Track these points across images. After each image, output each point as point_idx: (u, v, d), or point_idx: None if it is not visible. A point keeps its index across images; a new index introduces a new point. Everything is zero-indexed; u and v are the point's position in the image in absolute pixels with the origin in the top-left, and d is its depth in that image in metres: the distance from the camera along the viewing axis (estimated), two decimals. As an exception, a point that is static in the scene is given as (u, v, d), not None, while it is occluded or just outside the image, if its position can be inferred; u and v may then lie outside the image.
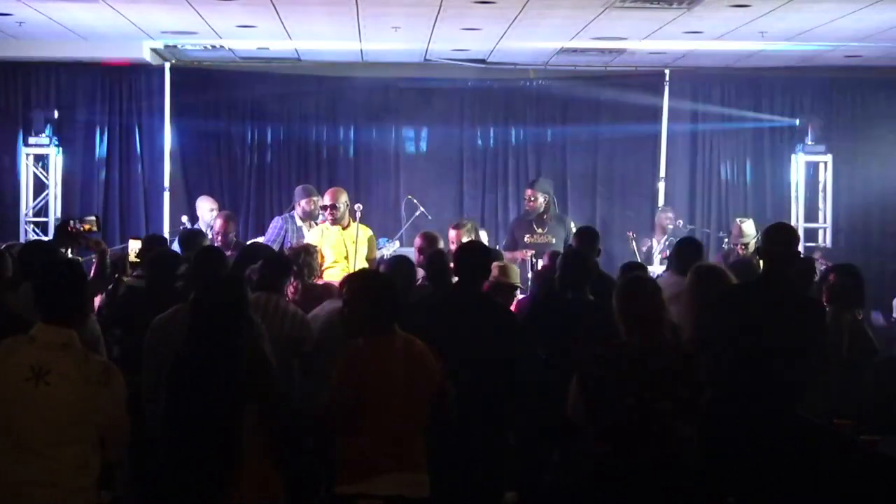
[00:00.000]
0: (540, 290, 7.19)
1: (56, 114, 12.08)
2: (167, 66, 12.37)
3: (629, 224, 12.18)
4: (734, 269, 6.74)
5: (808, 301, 5.93)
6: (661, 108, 12.83)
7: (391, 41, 11.05)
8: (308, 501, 5.65)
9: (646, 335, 4.75)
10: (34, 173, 12.10)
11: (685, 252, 7.22)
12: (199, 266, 6.02)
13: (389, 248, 10.11)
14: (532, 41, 11.02)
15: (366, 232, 9.44)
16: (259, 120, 12.69)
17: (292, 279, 6.32)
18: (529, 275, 9.06)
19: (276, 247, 9.02)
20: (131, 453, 5.45)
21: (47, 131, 11.97)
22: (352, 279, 4.85)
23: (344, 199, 9.39)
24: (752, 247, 9.94)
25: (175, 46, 11.70)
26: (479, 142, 13.00)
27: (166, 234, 11.56)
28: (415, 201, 11.17)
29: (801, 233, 10.60)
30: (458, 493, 5.26)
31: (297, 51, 11.88)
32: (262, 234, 10.52)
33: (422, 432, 4.61)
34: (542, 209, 10.32)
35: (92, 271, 6.84)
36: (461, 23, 10.00)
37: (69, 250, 7.14)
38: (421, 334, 4.76)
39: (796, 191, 12.74)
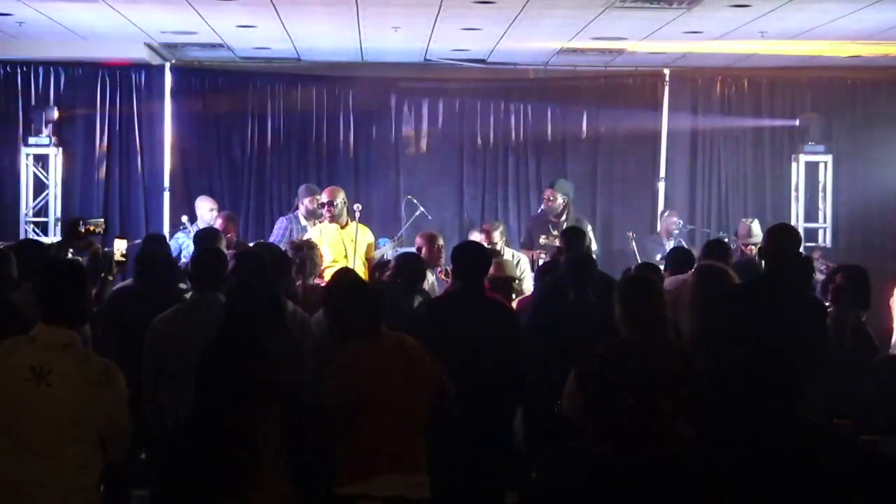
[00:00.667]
0: (542, 291, 7.20)
1: (56, 114, 12.08)
2: (167, 66, 12.36)
3: (629, 224, 12.18)
4: (736, 269, 6.75)
5: (809, 301, 5.93)
6: (661, 108, 12.84)
7: (391, 41, 11.05)
8: (308, 502, 5.64)
9: (647, 335, 4.74)
10: (34, 173, 12.10)
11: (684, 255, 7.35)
12: (198, 266, 6.01)
13: (390, 249, 10.11)
14: (532, 41, 11.02)
15: (365, 232, 9.46)
16: (259, 120, 12.69)
17: (294, 274, 6.30)
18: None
19: (282, 247, 9.05)
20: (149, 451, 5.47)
21: (47, 131, 11.97)
22: (333, 287, 4.86)
23: (341, 196, 9.47)
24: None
25: (175, 46, 11.70)
26: (479, 142, 12.99)
27: (166, 234, 11.57)
28: (415, 201, 11.18)
29: (801, 233, 10.58)
30: (459, 494, 5.25)
31: (297, 51, 11.88)
32: (262, 234, 10.53)
33: (422, 432, 4.60)
34: (559, 210, 10.34)
35: None
36: (461, 23, 10.00)
37: (69, 251, 7.14)
38: (423, 334, 4.76)
39: (796, 191, 12.75)
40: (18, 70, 12.23)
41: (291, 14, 9.69)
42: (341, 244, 9.24)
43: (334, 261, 9.05)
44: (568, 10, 9.36)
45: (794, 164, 12.76)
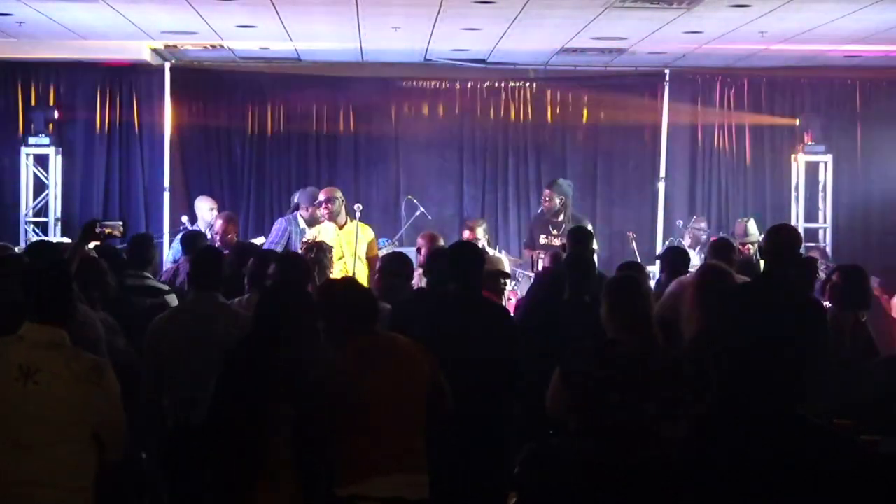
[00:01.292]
0: (538, 292, 7.19)
1: (56, 114, 12.10)
2: (167, 66, 12.37)
3: (629, 224, 12.19)
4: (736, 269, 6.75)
5: (809, 301, 5.93)
6: (661, 108, 12.84)
7: (391, 41, 11.05)
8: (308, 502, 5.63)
9: (634, 335, 4.72)
10: (34, 173, 12.11)
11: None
12: (198, 266, 6.01)
13: (389, 249, 10.11)
14: (532, 41, 11.02)
15: (365, 230, 9.48)
16: (259, 120, 12.69)
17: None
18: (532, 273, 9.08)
19: (279, 248, 9.08)
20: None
21: (47, 131, 11.97)
22: (324, 291, 4.85)
23: (339, 196, 9.52)
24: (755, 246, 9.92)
25: (175, 46, 11.69)
26: (479, 142, 12.99)
27: (166, 234, 11.58)
28: (415, 201, 11.18)
29: (801, 233, 10.57)
30: (459, 494, 5.24)
31: (297, 51, 11.88)
32: (262, 234, 10.53)
33: (421, 432, 4.58)
34: (556, 210, 10.34)
35: None
36: (461, 23, 10.00)
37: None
38: (417, 334, 4.75)
39: (796, 191, 12.75)
40: (18, 70, 12.24)
41: (291, 14, 9.69)
42: (340, 244, 9.25)
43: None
44: (568, 10, 9.36)
45: (793, 164, 12.76)
